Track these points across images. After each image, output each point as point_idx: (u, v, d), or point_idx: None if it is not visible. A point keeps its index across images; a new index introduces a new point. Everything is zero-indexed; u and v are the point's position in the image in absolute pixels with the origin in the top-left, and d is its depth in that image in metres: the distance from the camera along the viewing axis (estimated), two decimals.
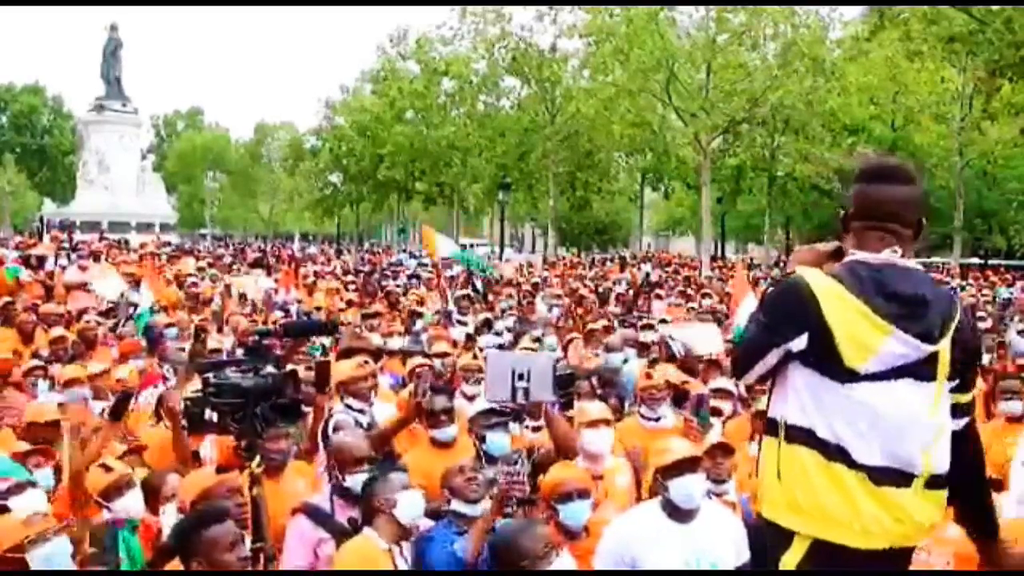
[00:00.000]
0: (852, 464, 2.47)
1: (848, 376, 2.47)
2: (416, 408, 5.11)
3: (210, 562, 3.20)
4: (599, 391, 6.67)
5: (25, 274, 12.79)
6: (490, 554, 3.61)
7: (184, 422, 4.31)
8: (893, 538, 2.50)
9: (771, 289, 2.70)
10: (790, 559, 2.55)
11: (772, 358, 2.58)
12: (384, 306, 12.87)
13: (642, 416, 5.83)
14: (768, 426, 2.67)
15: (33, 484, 4.37)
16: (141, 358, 8.02)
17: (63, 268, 14.19)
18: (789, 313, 2.54)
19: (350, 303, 12.28)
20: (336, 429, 5.16)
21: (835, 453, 2.48)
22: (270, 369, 3.45)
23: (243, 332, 8.97)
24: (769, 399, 2.72)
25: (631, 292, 14.59)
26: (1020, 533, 3.65)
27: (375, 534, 3.77)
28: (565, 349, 9.05)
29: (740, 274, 11.59)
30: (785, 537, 2.55)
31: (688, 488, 3.82)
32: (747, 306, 8.58)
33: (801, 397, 2.54)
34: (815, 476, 2.49)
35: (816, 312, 2.47)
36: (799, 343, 2.51)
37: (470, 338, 9.00)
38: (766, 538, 2.68)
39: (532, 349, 7.55)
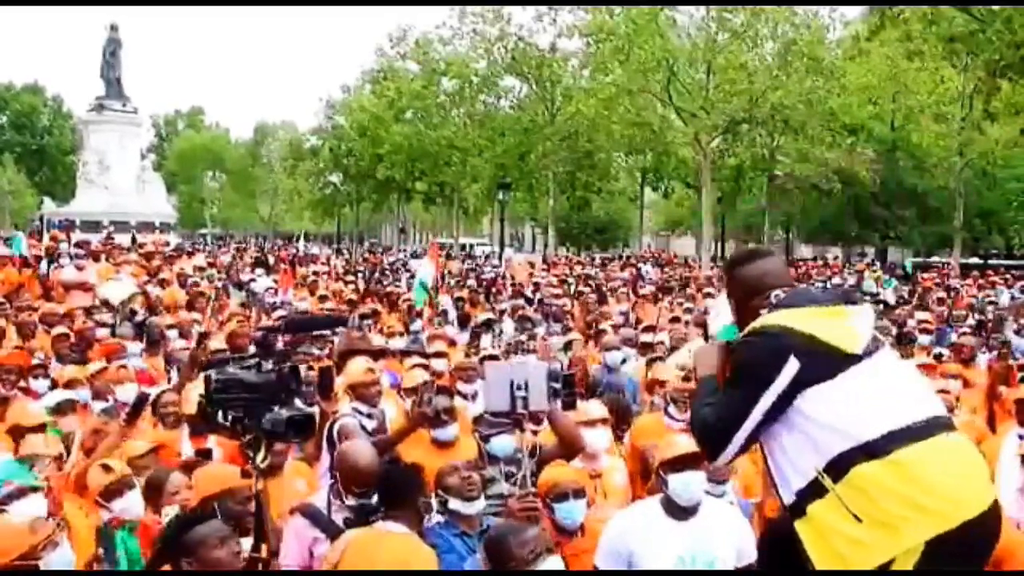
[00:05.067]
0: (897, 440, 2.47)
1: (851, 361, 2.57)
2: (421, 417, 5.12)
3: (200, 561, 3.17)
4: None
5: (25, 245, 12.87)
6: (484, 553, 3.61)
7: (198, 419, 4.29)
8: (971, 499, 2.46)
9: (736, 355, 2.71)
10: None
11: (765, 402, 2.57)
12: (384, 306, 12.86)
13: (669, 415, 5.88)
14: (797, 505, 2.57)
15: (35, 489, 4.31)
16: (133, 357, 7.95)
17: (59, 267, 14.11)
18: (767, 352, 2.60)
19: (350, 303, 12.26)
20: (341, 433, 5.15)
21: (883, 446, 2.47)
22: (271, 365, 3.43)
23: (232, 333, 8.70)
24: (776, 486, 2.65)
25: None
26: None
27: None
28: (565, 349, 9.05)
29: None
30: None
31: (687, 483, 3.82)
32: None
33: (823, 422, 2.53)
34: (888, 479, 2.45)
35: (791, 333, 2.58)
36: (791, 368, 2.55)
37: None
38: None
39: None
